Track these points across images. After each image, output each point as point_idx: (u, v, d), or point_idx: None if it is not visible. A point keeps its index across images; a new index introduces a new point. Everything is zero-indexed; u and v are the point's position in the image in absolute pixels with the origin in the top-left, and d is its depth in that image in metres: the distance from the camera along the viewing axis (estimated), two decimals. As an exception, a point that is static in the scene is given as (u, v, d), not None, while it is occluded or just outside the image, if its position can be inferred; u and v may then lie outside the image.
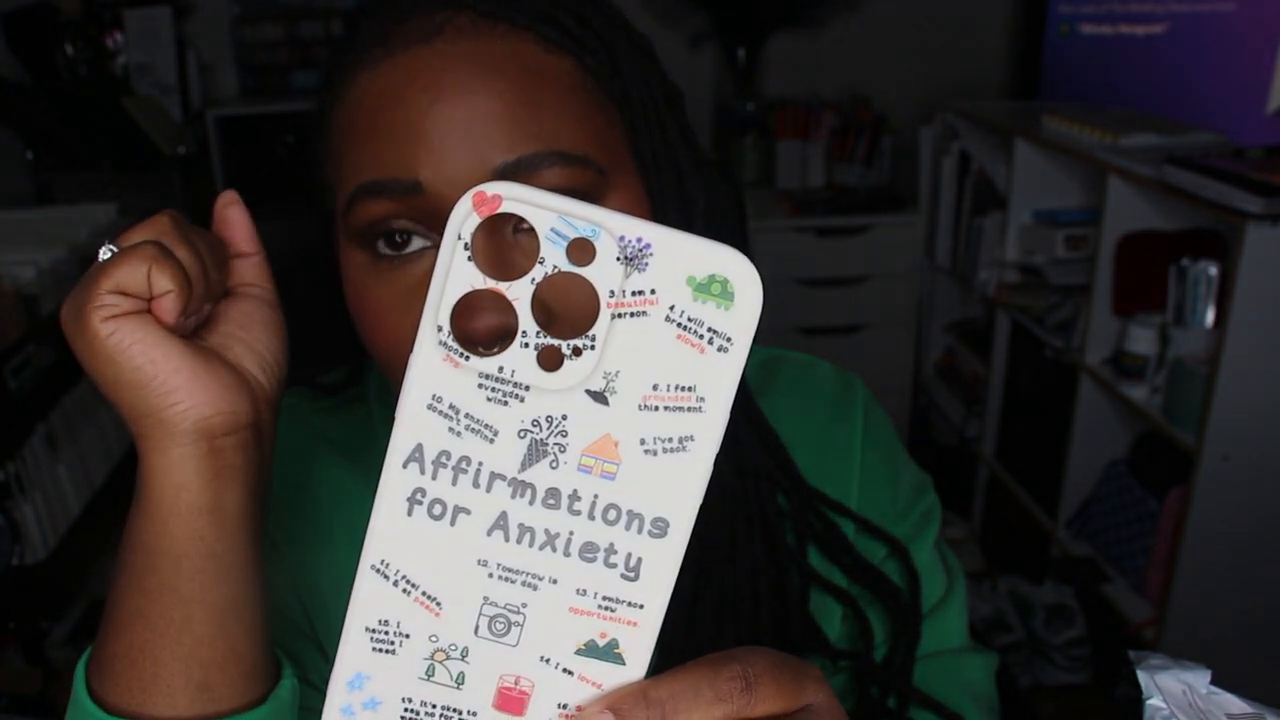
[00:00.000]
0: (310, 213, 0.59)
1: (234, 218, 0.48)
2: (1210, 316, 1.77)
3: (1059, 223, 2.24)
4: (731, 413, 0.31)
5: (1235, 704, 0.42)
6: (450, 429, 0.31)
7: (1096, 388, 2.04)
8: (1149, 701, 0.41)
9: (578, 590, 0.32)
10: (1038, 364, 2.28)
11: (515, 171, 0.48)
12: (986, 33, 2.97)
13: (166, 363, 0.41)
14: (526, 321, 0.31)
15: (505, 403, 0.31)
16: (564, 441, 0.31)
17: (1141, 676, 0.42)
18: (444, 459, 0.32)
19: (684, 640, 0.58)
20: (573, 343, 0.31)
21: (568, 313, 0.44)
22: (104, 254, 0.42)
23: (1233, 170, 1.64)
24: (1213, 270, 1.74)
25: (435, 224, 0.49)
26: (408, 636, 0.33)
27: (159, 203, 2.43)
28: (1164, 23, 2.29)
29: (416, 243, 0.50)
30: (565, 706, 0.33)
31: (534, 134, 0.49)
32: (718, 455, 0.31)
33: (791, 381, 0.69)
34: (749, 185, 2.88)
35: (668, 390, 0.31)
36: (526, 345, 0.31)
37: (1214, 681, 0.42)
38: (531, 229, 0.31)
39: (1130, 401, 1.90)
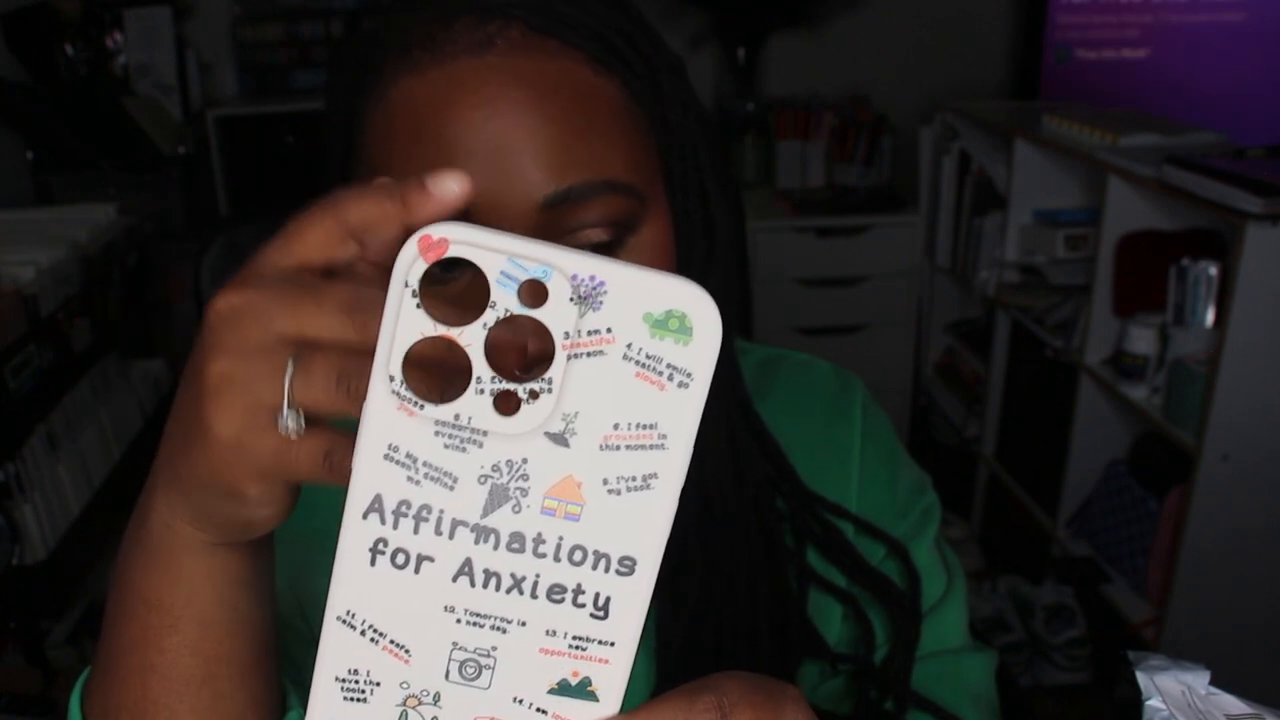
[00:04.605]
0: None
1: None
2: (1210, 316, 1.77)
3: (1059, 223, 2.24)
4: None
5: (1235, 704, 0.41)
6: (409, 478, 0.31)
7: (1096, 388, 2.04)
8: (1148, 702, 0.41)
9: (547, 631, 0.32)
10: (1038, 364, 2.27)
11: (563, 201, 0.47)
12: (987, 33, 2.97)
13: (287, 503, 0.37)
14: (480, 368, 0.30)
15: (463, 449, 0.31)
16: (525, 485, 0.31)
17: (1141, 677, 0.42)
18: (404, 508, 0.31)
19: (684, 645, 0.58)
20: (529, 386, 0.30)
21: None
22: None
23: (1233, 170, 1.64)
24: (1213, 270, 1.74)
25: None
26: (378, 684, 0.33)
27: (159, 202, 2.43)
28: (1164, 24, 2.29)
29: None
30: None
31: (583, 162, 0.48)
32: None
33: (790, 382, 0.69)
34: (749, 185, 2.88)
35: (629, 429, 0.30)
36: (482, 391, 0.30)
37: (1213, 681, 0.42)
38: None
39: (1130, 401, 1.90)
